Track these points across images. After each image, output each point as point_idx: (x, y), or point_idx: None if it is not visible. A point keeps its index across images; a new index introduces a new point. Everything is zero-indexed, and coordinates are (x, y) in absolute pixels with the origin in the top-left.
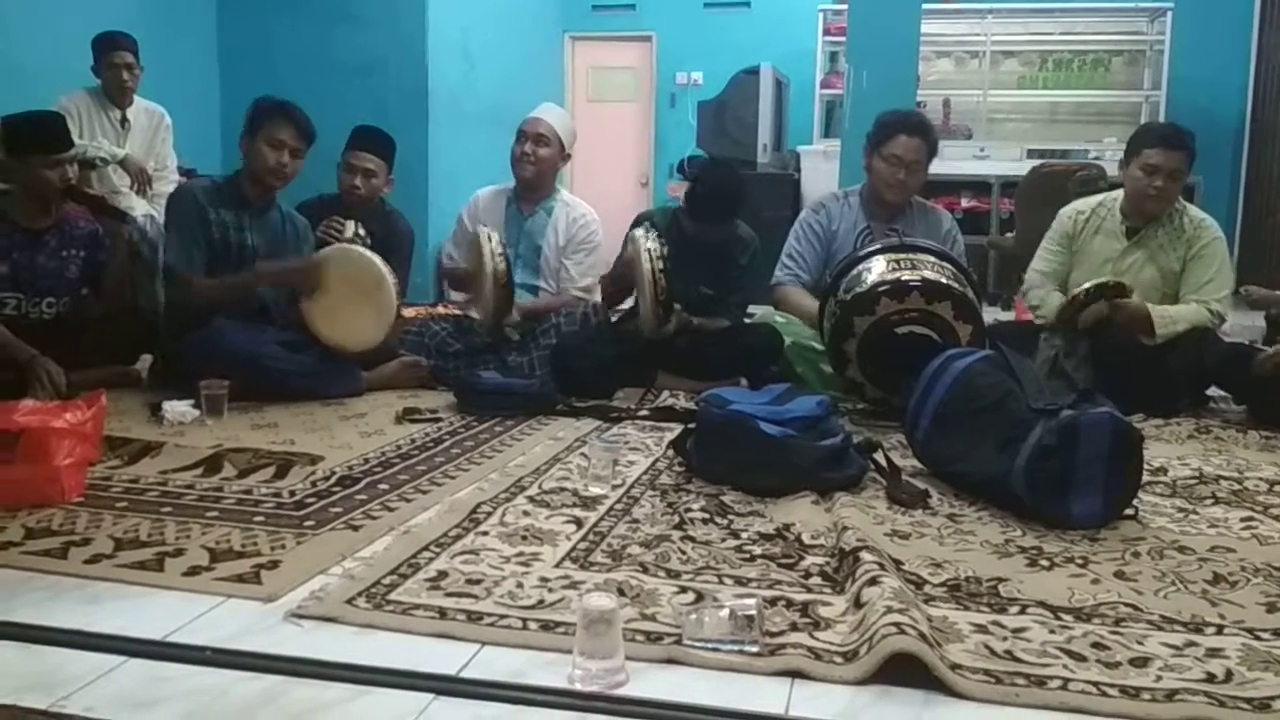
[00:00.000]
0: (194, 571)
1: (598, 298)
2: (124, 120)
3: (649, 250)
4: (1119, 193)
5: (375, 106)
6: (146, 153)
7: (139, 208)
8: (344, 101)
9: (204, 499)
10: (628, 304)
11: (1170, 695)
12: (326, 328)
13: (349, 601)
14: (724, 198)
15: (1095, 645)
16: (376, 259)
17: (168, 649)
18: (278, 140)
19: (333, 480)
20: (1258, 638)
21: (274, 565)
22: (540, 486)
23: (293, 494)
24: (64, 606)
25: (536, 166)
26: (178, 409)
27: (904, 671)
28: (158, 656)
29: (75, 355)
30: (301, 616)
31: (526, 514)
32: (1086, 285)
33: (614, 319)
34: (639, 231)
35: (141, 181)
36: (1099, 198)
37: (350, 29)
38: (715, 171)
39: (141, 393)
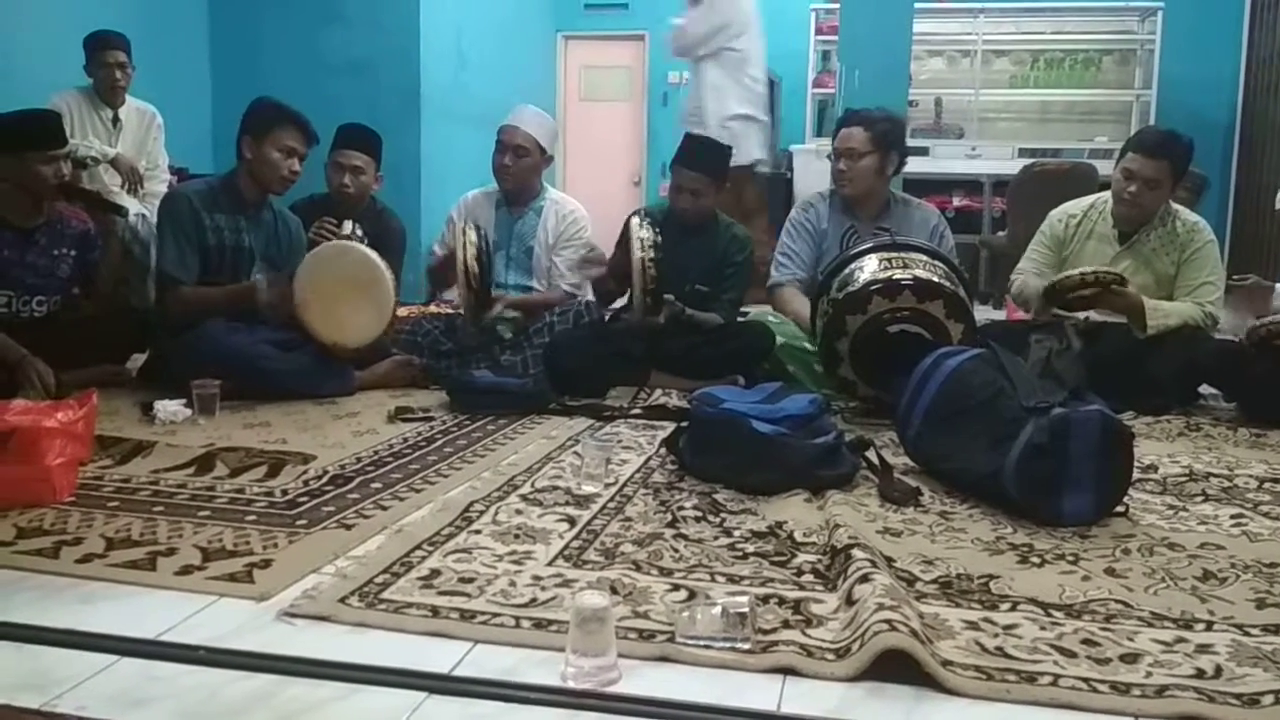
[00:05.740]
0: (186, 571)
1: (589, 295)
2: (115, 119)
3: (641, 239)
4: (1109, 194)
5: (367, 106)
6: (138, 152)
7: (131, 207)
8: (336, 101)
9: (196, 498)
10: (620, 302)
11: (1160, 691)
12: (323, 325)
13: (342, 600)
14: (711, 146)
15: (1086, 642)
16: (373, 255)
17: (160, 648)
18: (288, 147)
19: (325, 479)
20: (1247, 633)
21: (266, 564)
22: (533, 485)
23: (285, 493)
24: (56, 606)
25: (516, 179)
26: (169, 408)
27: (895, 668)
28: (150, 656)
29: (66, 354)
30: (294, 615)
31: (519, 512)
32: (1085, 269)
33: (607, 317)
34: (634, 220)
35: (133, 181)
36: (1090, 199)
37: (342, 29)
38: (707, 136)
39: (133, 392)
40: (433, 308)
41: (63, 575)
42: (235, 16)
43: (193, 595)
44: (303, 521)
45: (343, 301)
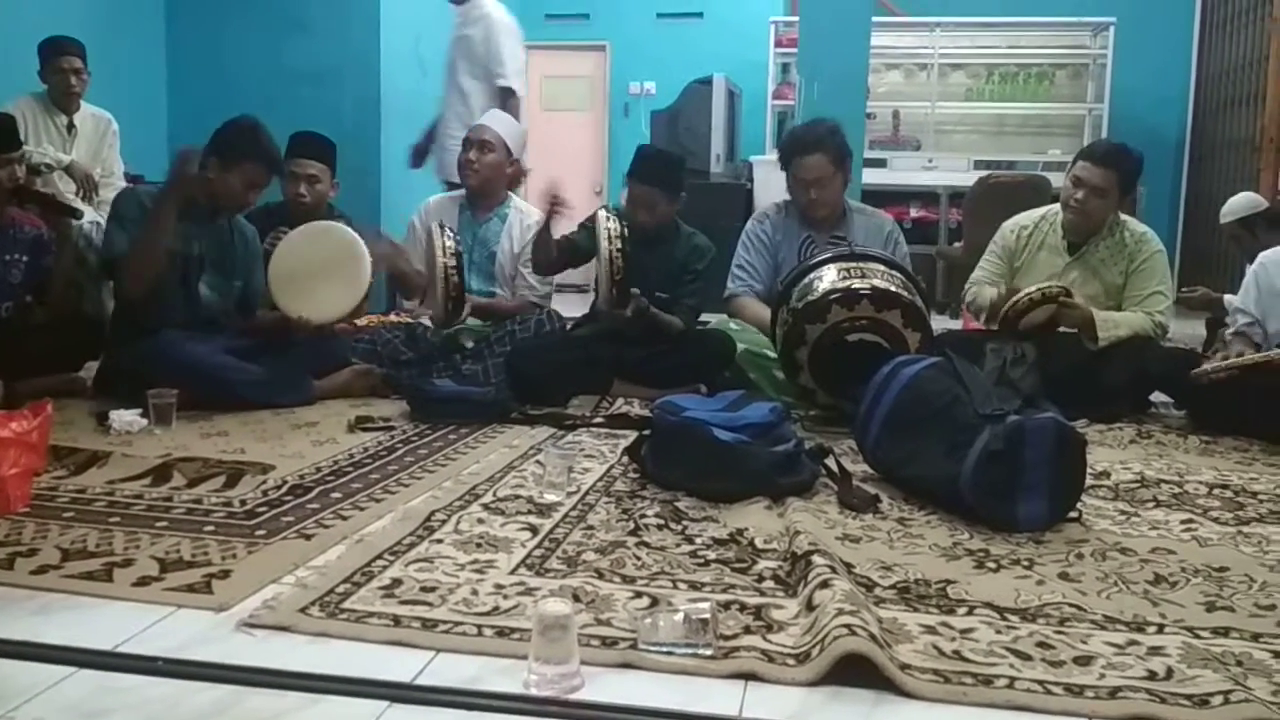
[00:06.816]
0: (144, 582)
1: (554, 306)
2: (70, 126)
3: (608, 230)
4: (1060, 205)
5: (328, 115)
6: (93, 159)
7: (85, 214)
8: (296, 110)
9: (153, 509)
10: (583, 310)
11: (1113, 693)
12: (292, 300)
13: (302, 610)
14: (664, 158)
15: (1040, 645)
16: (356, 236)
17: (118, 659)
18: (252, 181)
19: (284, 489)
20: (1197, 636)
21: (225, 575)
22: (495, 494)
23: (244, 503)
24: (11, 618)
25: (481, 174)
26: (125, 418)
27: (855, 672)
28: (108, 667)
29: (19, 362)
30: (254, 626)
31: (481, 521)
32: (1031, 290)
33: (569, 326)
34: (601, 213)
35: (87, 188)
36: (1041, 211)
37: (302, 37)
38: (660, 148)
39: (88, 401)
40: (392, 316)
41: (18, 587)
42: (193, 23)
43: (150, 606)
44: (262, 532)
45: (318, 279)
